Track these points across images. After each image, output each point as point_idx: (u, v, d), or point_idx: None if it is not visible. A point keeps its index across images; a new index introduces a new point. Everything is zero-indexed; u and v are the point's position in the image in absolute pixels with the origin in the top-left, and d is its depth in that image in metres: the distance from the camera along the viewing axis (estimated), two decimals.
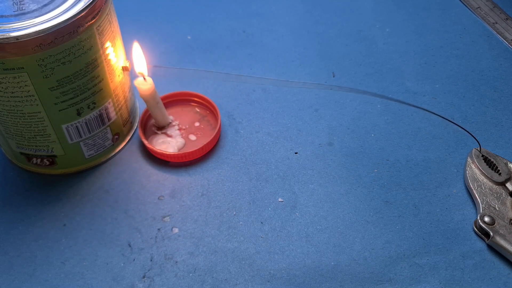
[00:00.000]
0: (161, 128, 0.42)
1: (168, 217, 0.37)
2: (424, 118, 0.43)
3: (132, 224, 0.37)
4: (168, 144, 0.41)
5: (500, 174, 0.38)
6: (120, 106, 0.39)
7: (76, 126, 0.37)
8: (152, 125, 0.43)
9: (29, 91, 0.33)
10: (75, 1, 0.32)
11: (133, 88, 0.42)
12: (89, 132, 0.38)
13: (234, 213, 0.38)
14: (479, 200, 0.37)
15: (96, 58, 0.35)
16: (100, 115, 0.38)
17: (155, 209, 0.38)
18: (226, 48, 0.50)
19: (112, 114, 0.39)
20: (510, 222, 0.36)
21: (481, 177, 0.38)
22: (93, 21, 0.33)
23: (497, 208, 0.36)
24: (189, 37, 0.51)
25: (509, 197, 0.37)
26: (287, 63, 0.49)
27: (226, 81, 0.47)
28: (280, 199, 0.38)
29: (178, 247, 0.36)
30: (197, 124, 0.43)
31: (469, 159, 0.39)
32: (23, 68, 0.31)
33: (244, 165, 0.41)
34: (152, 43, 0.50)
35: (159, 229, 0.37)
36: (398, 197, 0.38)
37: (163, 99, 0.42)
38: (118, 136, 0.41)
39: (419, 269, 0.35)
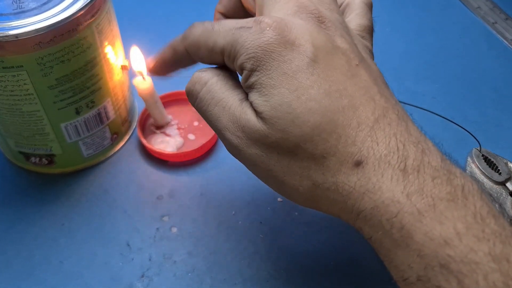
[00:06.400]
0: (160, 127, 0.42)
1: (167, 217, 0.37)
2: (424, 118, 0.43)
3: (130, 224, 0.37)
4: (167, 143, 0.41)
5: (500, 174, 0.38)
6: (119, 105, 0.39)
7: (75, 125, 0.36)
8: (151, 125, 0.42)
9: (28, 89, 0.33)
10: (74, 0, 0.32)
11: (132, 87, 0.42)
12: (88, 131, 0.38)
13: (233, 212, 0.38)
14: None
15: (95, 56, 0.34)
16: (99, 114, 0.37)
17: (154, 208, 0.38)
18: None
19: (111, 113, 0.39)
20: (510, 221, 0.36)
21: (481, 177, 0.38)
22: (92, 19, 0.33)
23: (497, 208, 0.36)
24: None
25: (509, 197, 0.37)
26: None
27: None
28: (279, 199, 0.38)
29: (177, 246, 0.36)
30: (196, 123, 0.43)
31: (469, 159, 0.39)
32: (22, 66, 0.31)
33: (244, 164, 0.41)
34: (151, 42, 0.50)
35: (157, 229, 0.37)
36: None
37: (162, 98, 0.42)
38: (116, 135, 0.41)
39: None
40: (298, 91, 0.24)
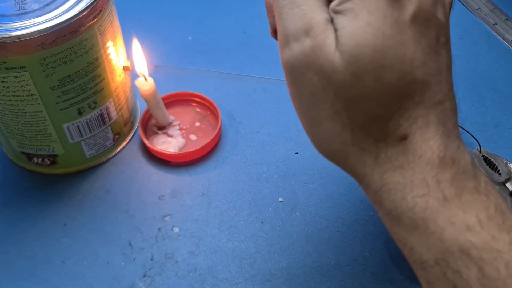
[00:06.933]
0: (162, 128, 0.42)
1: (168, 217, 0.38)
2: None
3: (132, 224, 0.37)
4: (169, 144, 0.41)
5: (500, 174, 0.38)
6: (121, 106, 0.39)
7: (77, 126, 0.37)
8: (153, 125, 0.43)
9: (30, 90, 0.33)
10: (76, 1, 0.32)
11: (134, 88, 0.42)
12: (90, 132, 0.38)
13: (235, 212, 0.38)
14: None
15: (97, 57, 0.35)
16: (101, 115, 0.38)
17: (156, 208, 0.38)
18: (227, 48, 0.50)
19: (113, 114, 0.39)
20: None
21: None
22: (95, 20, 0.33)
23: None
24: (189, 38, 0.51)
25: (509, 197, 0.37)
26: None
27: (226, 81, 0.47)
28: (280, 199, 0.39)
29: (179, 246, 0.36)
30: (197, 124, 0.43)
31: None
32: (24, 67, 0.31)
33: (245, 165, 0.41)
34: (153, 43, 0.50)
35: (159, 229, 0.37)
36: None
37: (164, 99, 0.42)
38: (119, 136, 0.41)
39: None
40: (390, 42, 0.22)
